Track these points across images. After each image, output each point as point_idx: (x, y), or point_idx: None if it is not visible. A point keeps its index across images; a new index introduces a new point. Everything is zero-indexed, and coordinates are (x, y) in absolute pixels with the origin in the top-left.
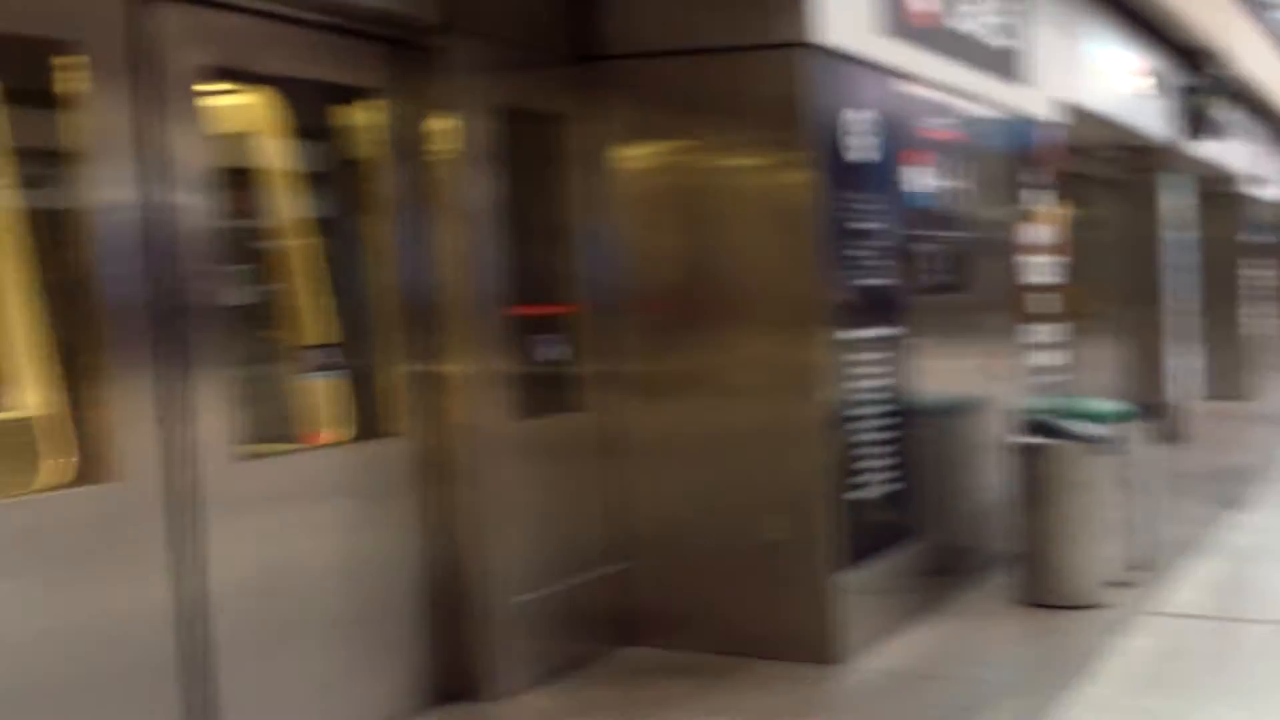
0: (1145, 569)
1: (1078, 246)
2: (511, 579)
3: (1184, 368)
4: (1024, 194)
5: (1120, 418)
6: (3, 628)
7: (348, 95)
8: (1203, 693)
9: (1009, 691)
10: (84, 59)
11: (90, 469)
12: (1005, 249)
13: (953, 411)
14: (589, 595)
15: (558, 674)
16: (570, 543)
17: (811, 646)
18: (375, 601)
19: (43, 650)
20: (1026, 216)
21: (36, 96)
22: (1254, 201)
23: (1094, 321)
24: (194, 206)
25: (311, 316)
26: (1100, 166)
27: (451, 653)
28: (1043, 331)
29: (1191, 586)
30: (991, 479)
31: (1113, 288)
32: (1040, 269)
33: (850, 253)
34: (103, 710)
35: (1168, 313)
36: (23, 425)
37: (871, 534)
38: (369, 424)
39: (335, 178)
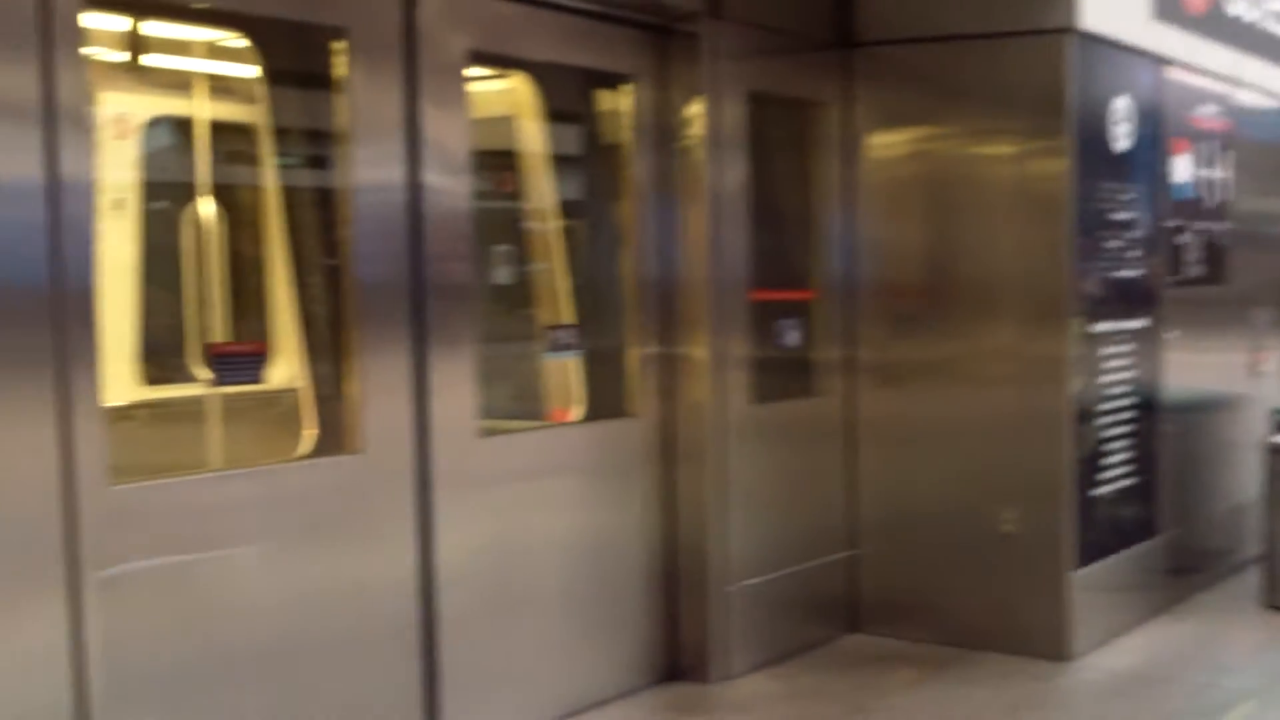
0: None
1: None
2: (739, 562)
3: None
4: None
5: None
6: (264, 585)
7: (605, 81)
8: None
9: (1244, 697)
10: (354, 44)
11: (344, 440)
12: (1276, 237)
13: (1204, 407)
14: (816, 581)
15: (781, 658)
16: (800, 528)
17: (1042, 642)
18: (605, 580)
19: (299, 609)
20: None
21: (309, 80)
22: None
23: None
24: (453, 188)
25: (556, 297)
26: None
27: (677, 633)
28: None
29: None
30: (1243, 479)
31: None
32: None
33: (1105, 244)
34: (348, 671)
35: None
36: (287, 396)
37: (1111, 530)
38: (606, 404)
39: (587, 161)
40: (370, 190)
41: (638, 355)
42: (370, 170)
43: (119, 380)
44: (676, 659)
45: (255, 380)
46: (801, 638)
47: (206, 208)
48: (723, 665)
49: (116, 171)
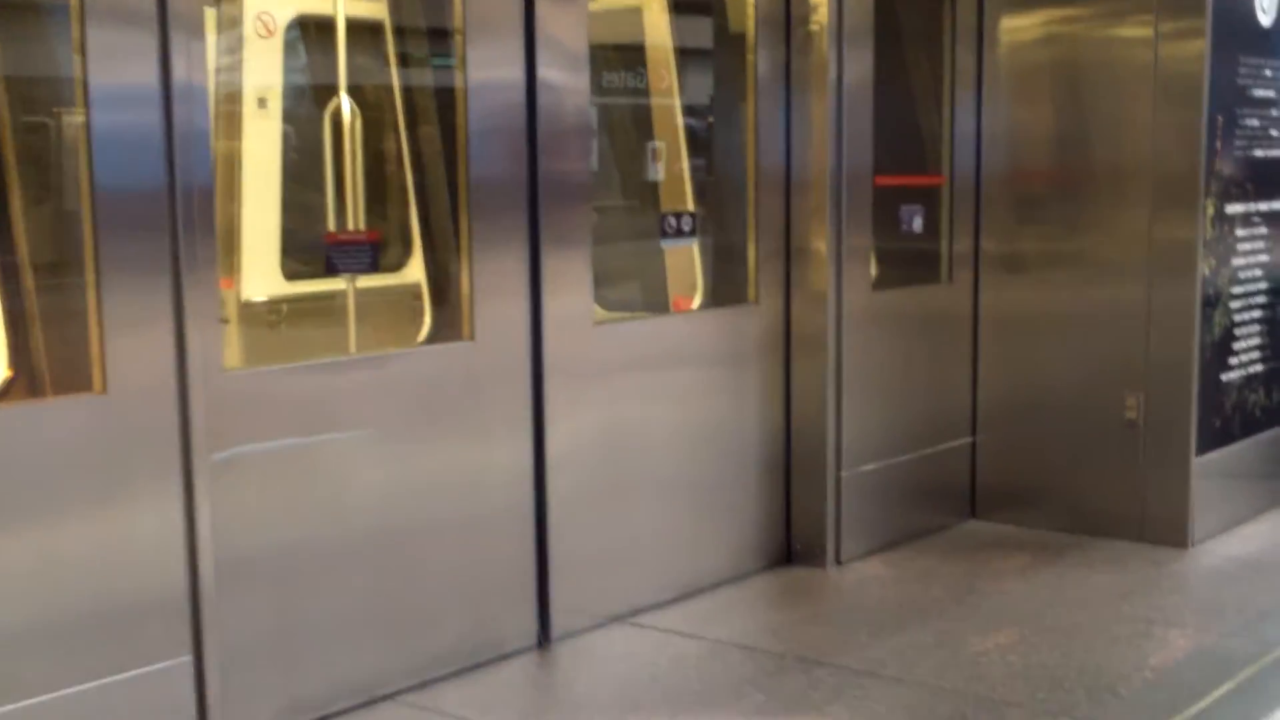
0: None
1: None
2: (855, 448)
3: None
4: None
5: None
6: (377, 468)
7: None
8: None
9: None
10: None
11: (458, 329)
12: None
13: None
14: (934, 467)
15: (897, 543)
16: (918, 414)
17: (1162, 528)
18: (720, 465)
19: (411, 492)
20: None
21: None
22: None
23: None
24: (570, 84)
25: (680, 187)
26: None
27: (792, 518)
28: None
29: None
30: None
31: None
32: None
33: (1244, 122)
34: (460, 553)
35: None
36: (415, 289)
37: (1238, 417)
38: (727, 292)
39: (711, 51)
40: (485, 88)
41: (759, 243)
42: (485, 68)
43: (262, 276)
44: (791, 544)
45: (369, 269)
46: (918, 523)
47: (342, 107)
48: (836, 550)
49: (260, 71)
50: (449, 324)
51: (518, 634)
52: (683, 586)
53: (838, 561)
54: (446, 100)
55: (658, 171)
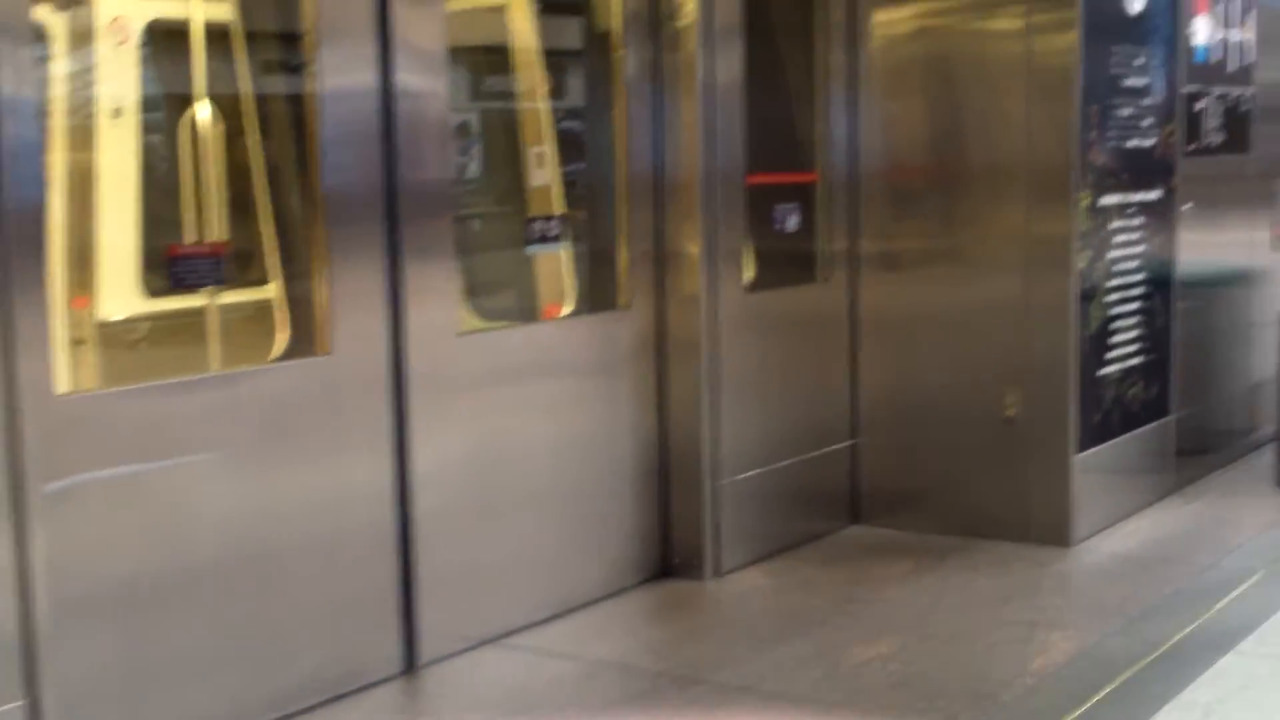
0: None
1: None
2: (734, 456)
3: None
4: None
5: None
6: (227, 492)
7: None
8: None
9: (1245, 577)
10: None
11: (313, 343)
12: None
13: (1223, 283)
14: (815, 473)
15: (778, 552)
16: (798, 419)
17: (1045, 528)
18: (594, 477)
19: (265, 516)
20: None
21: None
22: None
23: None
24: (428, 88)
25: (547, 191)
26: None
27: (669, 530)
28: None
29: None
30: (1259, 357)
31: None
32: None
33: (1116, 112)
34: (320, 578)
35: None
36: (260, 303)
37: (1118, 412)
38: (597, 298)
39: (577, 51)
40: (338, 93)
41: (629, 247)
42: (337, 73)
43: (121, 293)
44: (669, 556)
45: (215, 282)
46: (800, 531)
47: (196, 115)
48: (715, 561)
49: (115, 79)
50: (305, 338)
51: (382, 660)
52: (558, 604)
53: (717, 573)
54: (300, 107)
55: (532, 175)
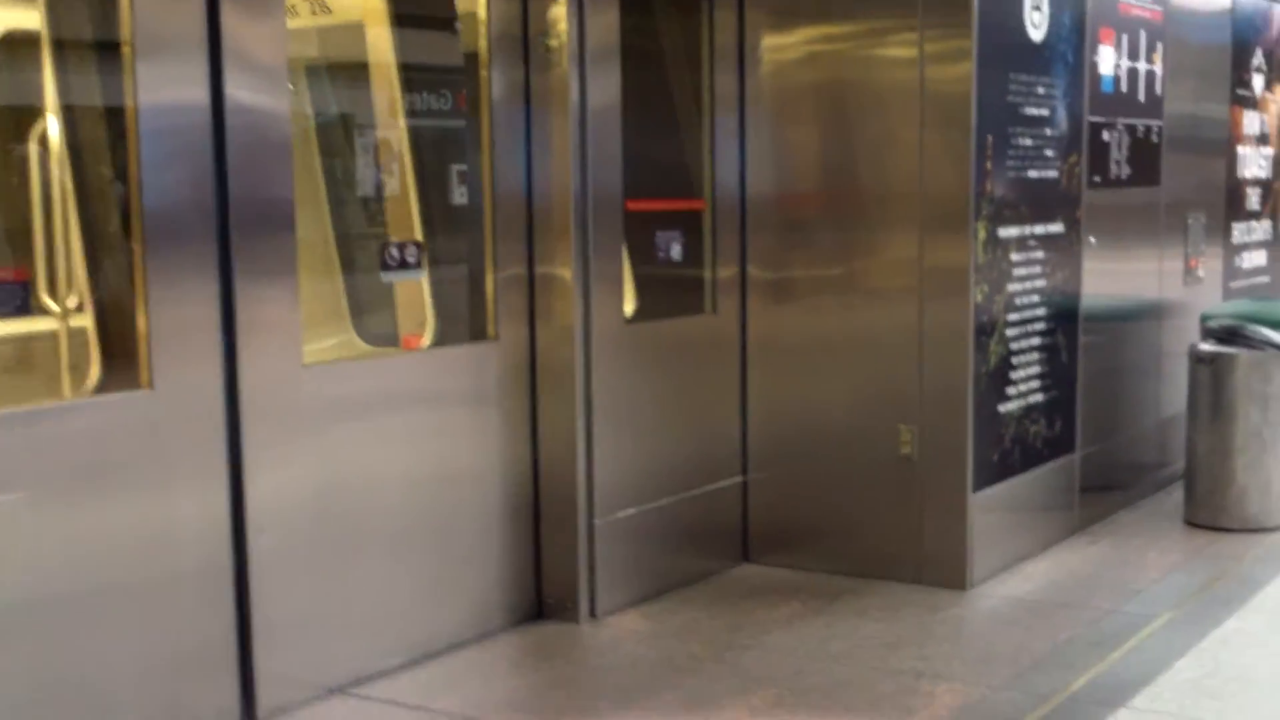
0: None
1: None
2: (612, 492)
3: None
4: (1249, 81)
5: None
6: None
7: None
8: None
9: (1143, 624)
10: None
11: (133, 376)
12: (1213, 141)
13: (1132, 316)
14: (701, 510)
15: (661, 593)
16: (683, 454)
17: (941, 569)
18: (459, 516)
19: (79, 561)
20: (1248, 106)
21: None
22: None
23: None
24: (266, 105)
25: (405, 216)
26: None
27: (544, 569)
28: (1257, 230)
29: None
30: (1170, 391)
31: None
32: (1259, 163)
33: (1016, 142)
34: (145, 625)
35: None
36: (76, 332)
37: (1020, 449)
38: (462, 327)
39: (442, 71)
40: (161, 108)
41: (498, 274)
42: (160, 87)
43: None
44: (541, 598)
45: (19, 310)
46: (685, 571)
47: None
48: (591, 603)
49: None
50: (123, 371)
51: (217, 711)
52: (415, 650)
53: (593, 615)
54: (119, 122)
55: (388, 199)
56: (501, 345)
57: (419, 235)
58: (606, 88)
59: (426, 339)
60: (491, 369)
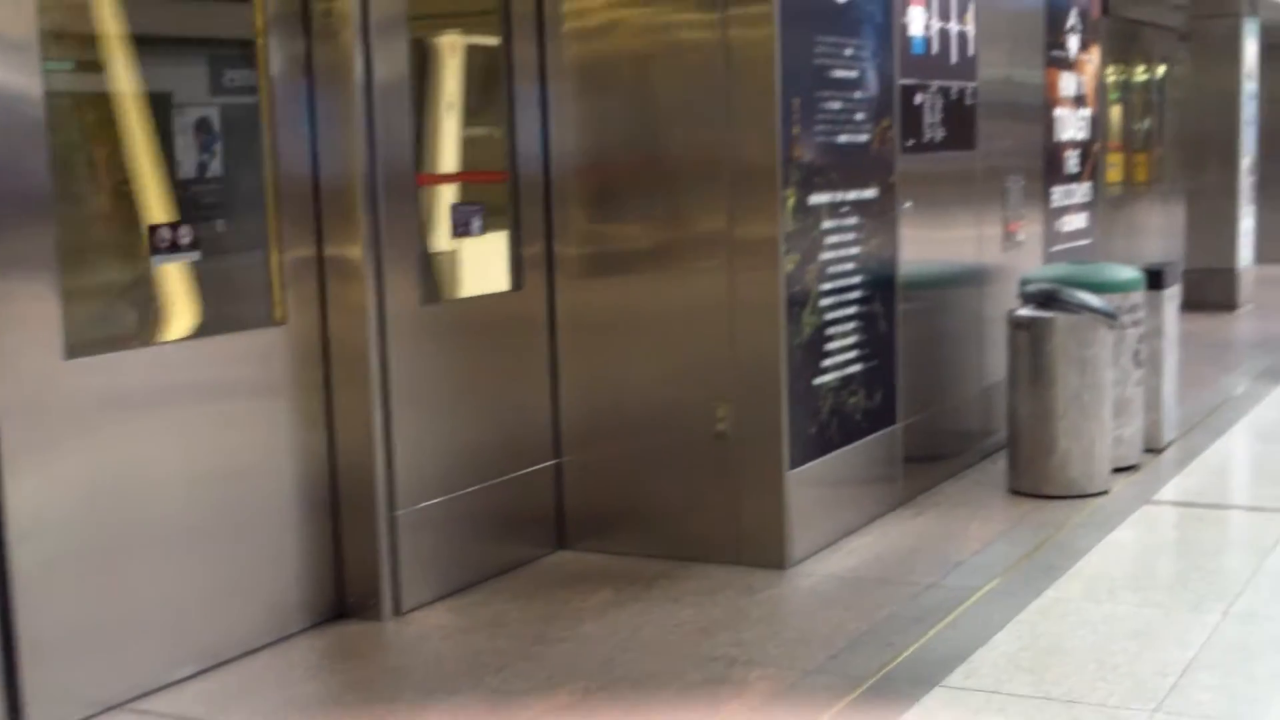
0: (1159, 451)
1: (1139, 102)
2: (416, 481)
3: (1249, 230)
4: (1065, 42)
5: (1133, 285)
6: None
7: None
8: (1170, 594)
9: (968, 598)
10: None
11: None
12: (1029, 104)
13: (946, 283)
14: (512, 496)
15: (472, 585)
16: (492, 438)
17: (760, 549)
18: (249, 511)
19: None
20: (1064, 67)
21: None
22: None
23: (1156, 182)
24: (6, 77)
25: (166, 194)
26: (1168, 14)
27: (345, 566)
28: (1076, 193)
29: (1201, 471)
30: (993, 358)
31: (1181, 145)
32: (1077, 125)
33: (824, 106)
34: None
35: (1242, 171)
36: None
37: (839, 422)
38: (243, 311)
39: (219, 40)
40: None
41: (284, 256)
42: None
43: None
44: (343, 596)
45: None
46: (496, 561)
47: None
48: (395, 599)
49: None
50: None
51: None
52: (204, 658)
53: (398, 612)
54: None
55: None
56: (290, 331)
57: (192, 217)
58: (396, 60)
59: (205, 325)
60: (280, 356)
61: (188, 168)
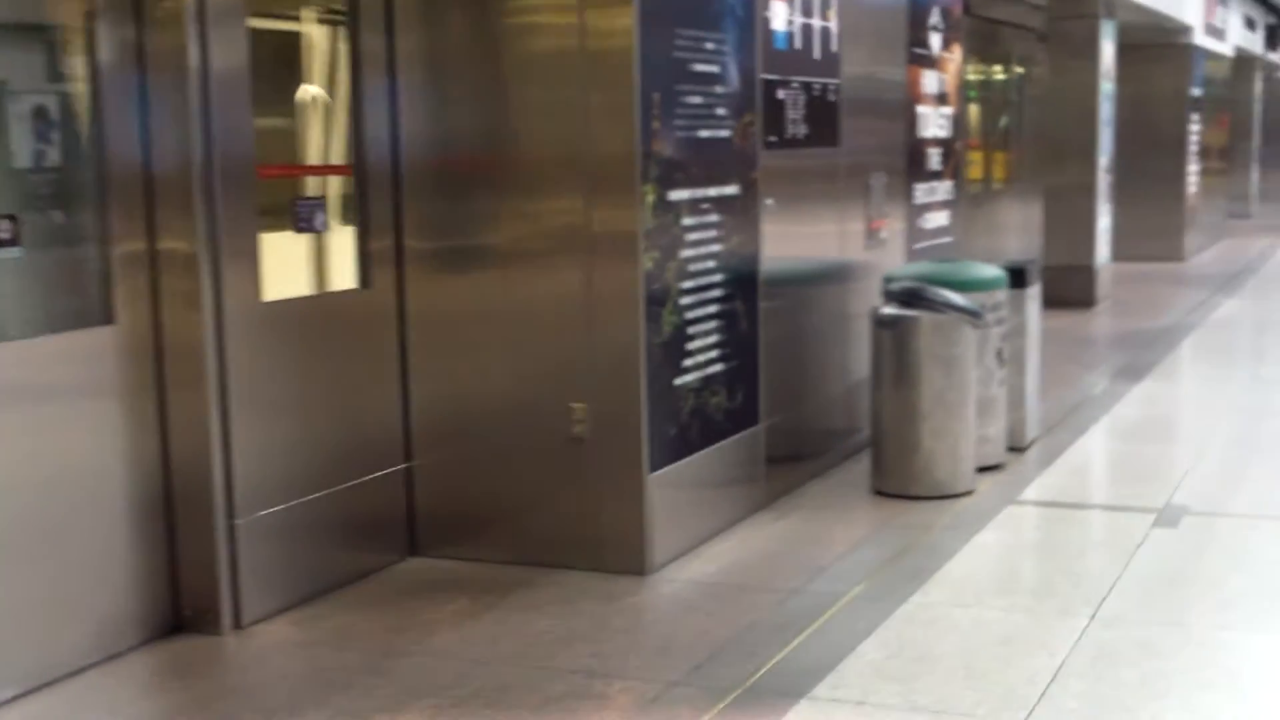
0: (1022, 450)
1: (999, 101)
2: (257, 487)
3: (1106, 228)
4: (927, 40)
5: (997, 284)
6: None
7: None
8: (1038, 599)
9: (834, 604)
10: None
11: None
12: (892, 101)
13: (809, 281)
14: (361, 502)
15: (318, 595)
16: (339, 442)
17: (621, 554)
18: (75, 522)
19: None
20: (927, 65)
21: None
22: (1207, 54)
23: (1015, 180)
24: None
25: None
26: (1027, 14)
27: (181, 578)
28: (938, 190)
29: (1065, 470)
30: (856, 356)
31: (1039, 143)
32: (939, 123)
33: (686, 100)
34: None
35: (1100, 170)
36: None
37: (700, 423)
38: (67, 310)
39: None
40: None
41: (114, 251)
42: None
43: None
44: (179, 610)
45: None
46: (344, 570)
47: None
48: (235, 612)
49: None
50: None
51: None
52: (28, 680)
53: (238, 625)
54: None
55: None
56: (120, 330)
57: (9, 210)
58: (233, 50)
59: (23, 325)
60: (109, 356)
61: (9, 158)
